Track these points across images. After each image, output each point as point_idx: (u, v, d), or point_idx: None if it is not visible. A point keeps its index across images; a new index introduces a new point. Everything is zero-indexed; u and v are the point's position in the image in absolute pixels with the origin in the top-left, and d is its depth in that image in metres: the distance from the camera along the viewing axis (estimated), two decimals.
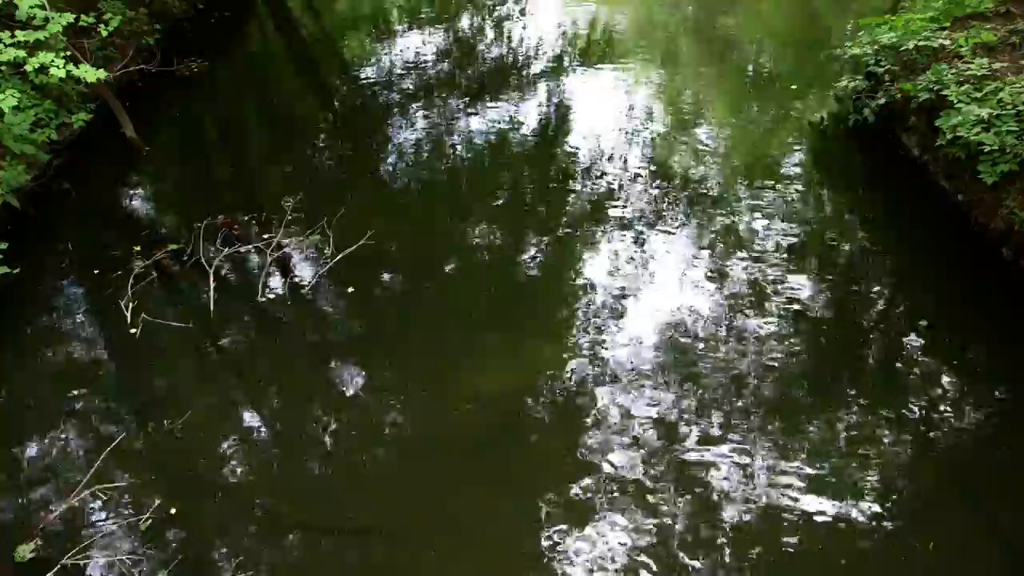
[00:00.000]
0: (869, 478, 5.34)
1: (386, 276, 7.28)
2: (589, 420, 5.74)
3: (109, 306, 6.77)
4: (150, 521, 5.07)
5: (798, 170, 8.82)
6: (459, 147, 9.38)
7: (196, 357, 6.45)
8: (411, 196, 8.56)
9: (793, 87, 10.62)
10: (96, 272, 7.20)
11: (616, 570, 4.79)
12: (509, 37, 12.66)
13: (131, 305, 6.61)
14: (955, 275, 7.21)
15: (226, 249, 7.30)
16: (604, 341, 6.43)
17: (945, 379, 6.12)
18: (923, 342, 6.45)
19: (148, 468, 5.49)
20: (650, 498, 5.18)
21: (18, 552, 4.83)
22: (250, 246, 7.34)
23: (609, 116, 9.88)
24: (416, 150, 9.32)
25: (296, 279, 7.18)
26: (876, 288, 7.09)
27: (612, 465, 5.40)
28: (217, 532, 5.07)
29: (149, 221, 8.16)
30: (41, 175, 8.07)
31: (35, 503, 5.28)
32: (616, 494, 5.21)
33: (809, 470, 5.40)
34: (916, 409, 5.85)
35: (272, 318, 6.82)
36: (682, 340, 6.45)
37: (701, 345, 6.39)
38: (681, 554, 4.87)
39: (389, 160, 9.15)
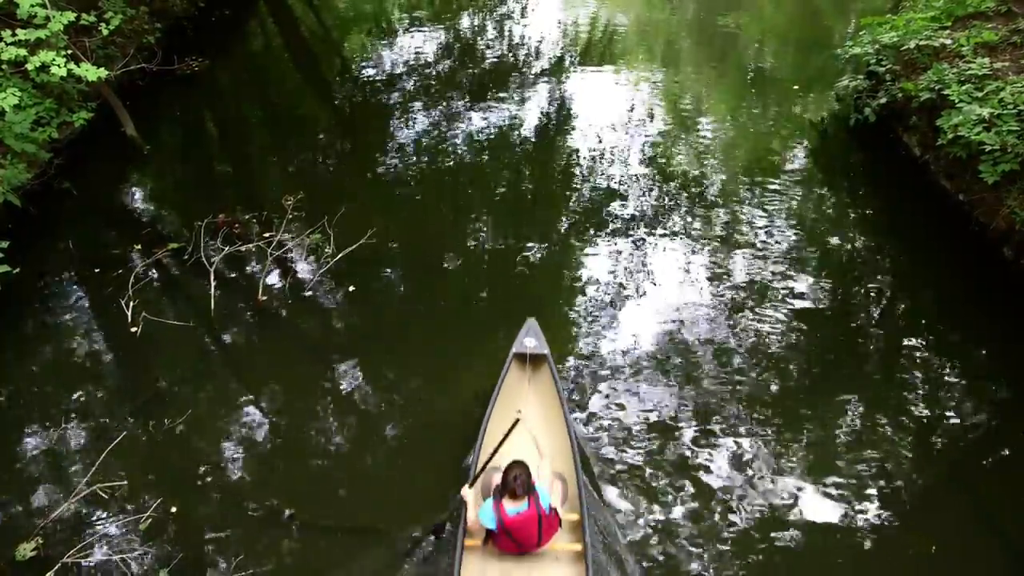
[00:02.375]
0: (869, 477, 5.34)
1: (387, 275, 7.28)
2: (590, 419, 5.74)
3: (110, 305, 6.77)
4: (150, 520, 5.07)
5: (799, 169, 8.82)
6: (460, 146, 9.38)
7: (197, 356, 6.45)
8: (412, 195, 8.56)
9: (795, 87, 10.62)
10: (97, 271, 7.21)
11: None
12: (510, 36, 12.66)
13: (132, 304, 6.61)
14: (956, 274, 7.21)
15: (227, 248, 7.30)
16: (604, 339, 6.43)
17: (945, 378, 6.12)
18: (924, 341, 6.45)
19: (149, 467, 5.49)
20: (649, 496, 5.18)
21: (19, 551, 4.84)
22: (251, 245, 7.35)
23: (610, 115, 9.88)
24: (417, 149, 9.32)
25: (296, 278, 7.18)
26: (877, 287, 7.09)
27: (612, 463, 5.40)
28: (217, 531, 5.07)
29: (150, 220, 8.16)
30: (42, 173, 8.08)
31: (36, 502, 5.28)
32: (616, 492, 5.22)
33: (809, 469, 5.40)
34: (916, 408, 5.85)
35: (272, 317, 6.81)
36: (683, 338, 6.45)
37: (702, 343, 6.39)
38: (681, 554, 4.88)
39: (390, 159, 9.14)
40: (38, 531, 5.00)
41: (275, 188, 8.41)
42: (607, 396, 5.92)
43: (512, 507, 4.30)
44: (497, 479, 4.39)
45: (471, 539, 4.60)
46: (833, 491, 5.26)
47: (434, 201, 8.47)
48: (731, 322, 6.61)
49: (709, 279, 7.11)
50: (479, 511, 4.42)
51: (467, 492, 4.60)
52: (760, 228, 7.77)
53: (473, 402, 5.84)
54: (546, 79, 11.02)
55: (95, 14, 7.94)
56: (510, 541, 4.44)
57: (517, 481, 4.26)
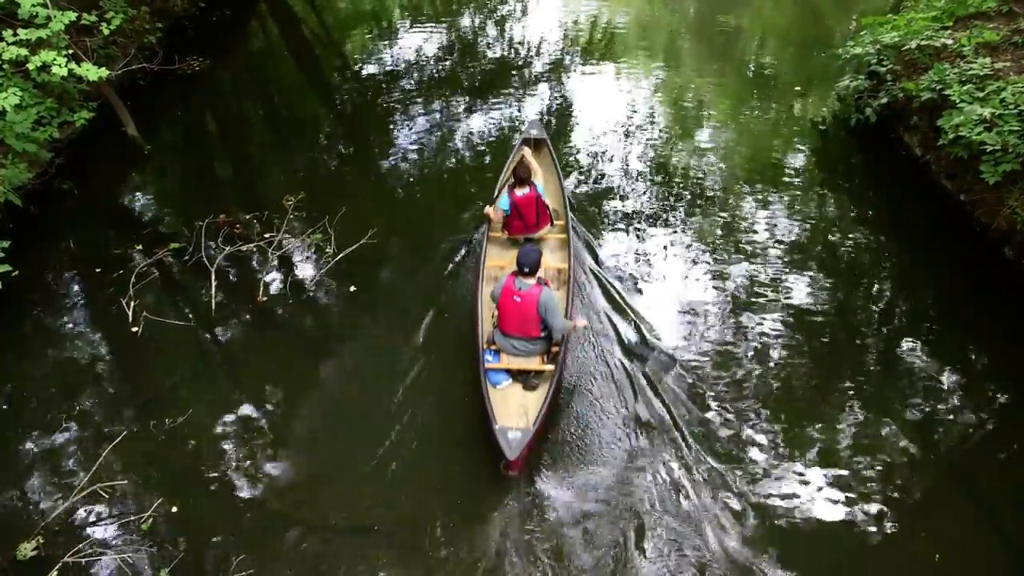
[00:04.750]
0: (870, 478, 5.34)
1: (388, 275, 7.27)
2: (590, 418, 5.74)
3: (111, 305, 6.78)
4: (151, 519, 5.08)
5: (800, 169, 8.82)
6: (461, 145, 9.38)
7: (197, 356, 6.45)
8: (413, 195, 8.56)
9: (796, 88, 10.62)
10: (98, 271, 7.21)
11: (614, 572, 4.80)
12: (510, 36, 12.66)
13: (132, 304, 6.62)
14: (956, 274, 7.21)
15: (227, 248, 7.30)
16: (604, 339, 6.42)
17: (946, 379, 6.12)
18: (924, 341, 6.45)
19: (149, 466, 5.50)
20: (648, 498, 5.19)
21: (20, 550, 4.84)
22: (251, 245, 7.34)
23: (610, 115, 9.88)
24: (418, 148, 9.32)
25: (297, 278, 7.18)
26: (877, 288, 7.09)
27: (612, 463, 5.41)
28: (218, 531, 5.07)
29: (151, 220, 8.16)
30: (43, 173, 8.08)
31: (37, 501, 5.29)
32: (618, 493, 5.22)
33: (809, 470, 5.41)
34: (917, 409, 5.85)
35: (273, 317, 6.82)
36: (683, 339, 6.45)
37: (702, 344, 6.39)
38: (679, 554, 4.87)
39: (391, 158, 9.15)
40: (39, 530, 5.00)
41: (276, 188, 8.40)
42: (609, 395, 5.90)
43: (520, 191, 6.41)
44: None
45: (493, 231, 6.88)
46: (833, 491, 5.26)
47: (435, 200, 8.47)
48: (729, 321, 6.61)
49: (707, 277, 7.11)
50: (498, 201, 6.57)
51: (492, 206, 6.71)
52: (760, 228, 7.76)
53: (473, 401, 5.84)
54: (547, 78, 11.02)
55: (96, 14, 7.93)
56: (519, 220, 6.57)
57: (521, 166, 6.45)
